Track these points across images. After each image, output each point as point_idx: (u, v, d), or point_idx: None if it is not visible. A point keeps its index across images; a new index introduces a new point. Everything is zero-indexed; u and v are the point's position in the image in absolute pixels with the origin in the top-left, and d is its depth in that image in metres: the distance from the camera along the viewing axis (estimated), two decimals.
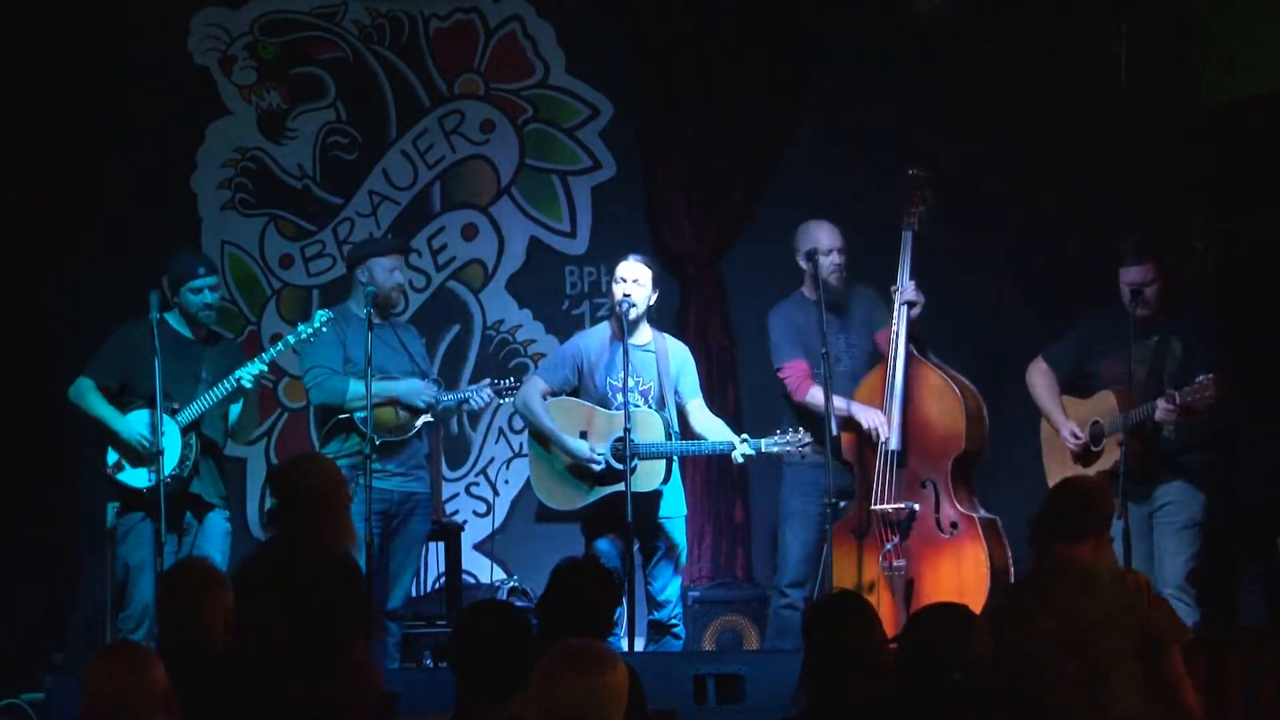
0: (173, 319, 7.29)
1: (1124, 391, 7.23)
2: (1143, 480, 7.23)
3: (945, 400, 7.49)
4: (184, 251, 7.59)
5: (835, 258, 7.62)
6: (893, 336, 7.51)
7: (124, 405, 7.20)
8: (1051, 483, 7.41)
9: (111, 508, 7.27)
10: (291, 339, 7.36)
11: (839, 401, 7.43)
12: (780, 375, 7.70)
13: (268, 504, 8.53)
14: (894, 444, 7.45)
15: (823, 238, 7.63)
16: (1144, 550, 7.18)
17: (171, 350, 7.11)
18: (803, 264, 7.65)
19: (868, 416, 7.45)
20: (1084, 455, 7.36)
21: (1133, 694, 4.82)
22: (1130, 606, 4.88)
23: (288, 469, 5.60)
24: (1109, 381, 7.37)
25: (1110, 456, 7.25)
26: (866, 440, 7.48)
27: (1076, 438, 7.37)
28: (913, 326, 7.51)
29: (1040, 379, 7.54)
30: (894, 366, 7.49)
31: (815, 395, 7.55)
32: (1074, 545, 4.96)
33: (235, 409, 7.39)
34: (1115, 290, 7.36)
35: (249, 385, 7.23)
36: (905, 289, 7.52)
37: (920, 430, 7.49)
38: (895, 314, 7.51)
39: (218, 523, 7.34)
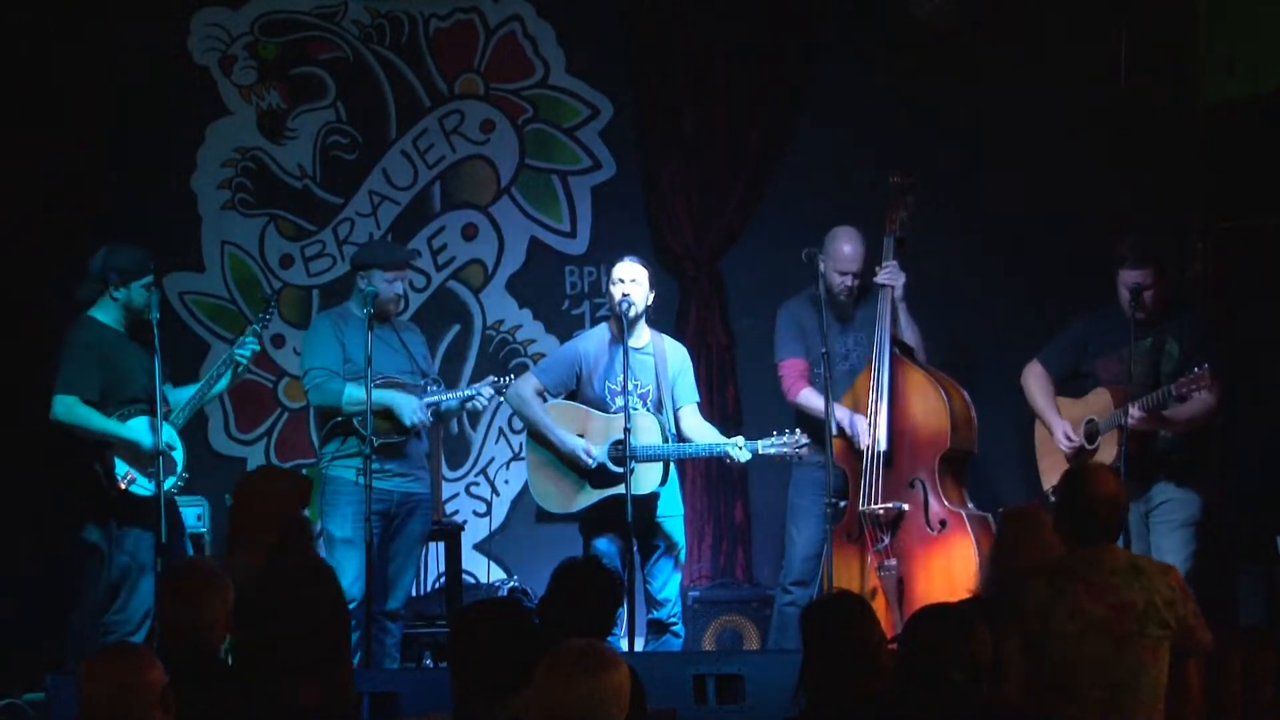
0: (104, 316, 7.18)
1: (1119, 390, 7.23)
2: (1140, 479, 7.21)
3: (929, 399, 7.49)
4: (124, 247, 7.30)
5: (850, 281, 7.63)
6: (877, 329, 7.52)
7: (107, 414, 7.14)
8: (1046, 484, 7.43)
9: (90, 530, 7.17)
10: (256, 327, 7.44)
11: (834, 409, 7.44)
12: (778, 372, 7.75)
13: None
14: (882, 444, 7.46)
15: (844, 256, 7.62)
16: (1140, 549, 7.17)
17: (119, 349, 7.09)
18: (804, 259, 7.63)
19: (850, 424, 7.46)
20: (1078, 455, 7.35)
21: (1161, 686, 4.86)
22: (1174, 600, 4.91)
23: None
24: (1104, 380, 7.37)
25: (1106, 454, 7.24)
26: (854, 444, 7.48)
27: (1069, 440, 7.37)
28: (898, 314, 7.52)
29: (1035, 381, 7.54)
30: (879, 367, 7.50)
31: (805, 397, 7.59)
32: (1107, 544, 5.02)
33: (218, 386, 7.40)
34: (1114, 290, 7.36)
35: (244, 361, 7.34)
36: (883, 270, 7.53)
37: (907, 430, 7.49)
38: (879, 299, 7.53)
39: (190, 518, 7.48)
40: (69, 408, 7.10)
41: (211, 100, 8.99)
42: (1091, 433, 7.35)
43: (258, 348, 7.40)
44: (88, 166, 8.71)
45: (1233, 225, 8.37)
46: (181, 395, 7.30)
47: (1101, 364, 7.39)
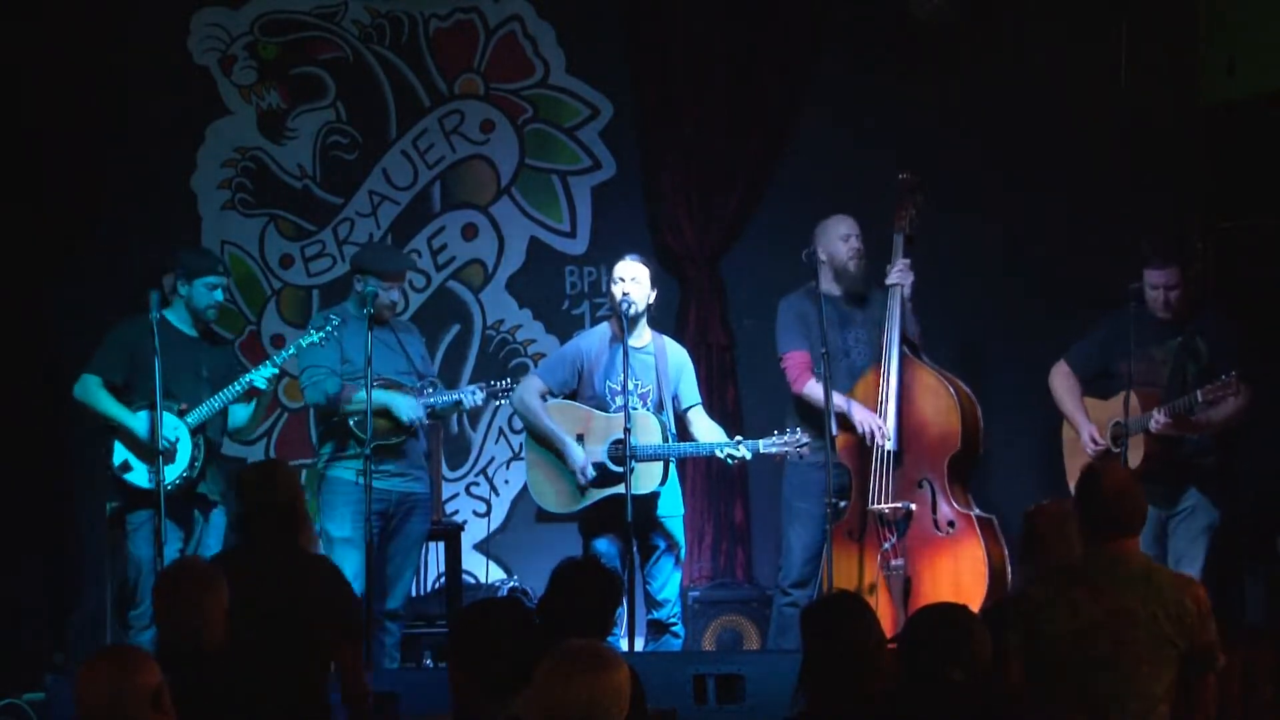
0: (173, 316, 7.29)
1: (1146, 393, 7.21)
2: (1166, 483, 7.20)
3: (940, 399, 7.49)
4: (198, 248, 7.63)
5: (854, 243, 7.62)
6: (886, 328, 7.51)
7: (128, 403, 7.21)
8: (1073, 484, 7.40)
9: (109, 506, 7.28)
10: (304, 340, 7.37)
11: (838, 400, 7.42)
12: (782, 365, 7.72)
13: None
14: (891, 444, 7.45)
15: (840, 225, 7.62)
16: (1156, 554, 7.13)
17: (173, 348, 7.13)
18: (804, 260, 7.61)
19: (864, 419, 7.45)
20: (1105, 457, 7.32)
21: (1160, 698, 4.80)
22: (1184, 615, 4.81)
23: (261, 479, 5.56)
24: (1131, 382, 7.33)
25: (1132, 458, 7.20)
26: (862, 441, 7.48)
27: (1095, 443, 7.35)
28: (905, 312, 7.50)
29: (1061, 381, 7.53)
30: (888, 367, 7.49)
31: (813, 388, 7.56)
32: (1126, 540, 4.93)
33: (245, 410, 7.43)
34: (1118, 290, 7.35)
35: (263, 386, 7.29)
36: (893, 269, 7.53)
37: (916, 430, 7.49)
38: (888, 299, 7.53)
39: (218, 520, 7.39)
40: (85, 386, 7.28)
41: (211, 100, 8.99)
42: (1118, 435, 7.32)
43: (274, 371, 7.38)
44: (88, 166, 8.71)
45: (1233, 225, 8.37)
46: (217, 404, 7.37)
47: (1127, 365, 7.33)
